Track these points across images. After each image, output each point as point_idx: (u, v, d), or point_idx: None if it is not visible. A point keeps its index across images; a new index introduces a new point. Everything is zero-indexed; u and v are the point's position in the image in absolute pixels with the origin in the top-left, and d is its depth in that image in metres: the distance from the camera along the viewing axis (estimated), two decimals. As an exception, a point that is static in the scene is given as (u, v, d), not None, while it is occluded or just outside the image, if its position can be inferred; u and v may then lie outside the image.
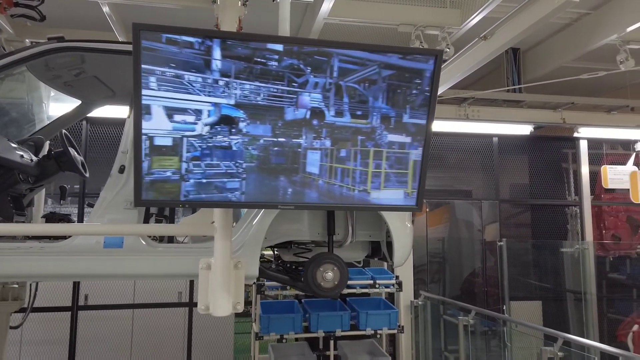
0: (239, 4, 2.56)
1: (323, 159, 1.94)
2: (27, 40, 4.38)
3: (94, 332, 5.80)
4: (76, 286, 5.55)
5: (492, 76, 7.09)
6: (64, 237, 2.65)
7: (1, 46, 4.13)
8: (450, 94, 5.88)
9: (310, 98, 1.87)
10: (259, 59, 1.81)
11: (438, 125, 6.43)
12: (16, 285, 3.96)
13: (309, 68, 1.83)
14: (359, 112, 1.92)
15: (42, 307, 5.20)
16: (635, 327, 5.95)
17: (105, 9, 3.84)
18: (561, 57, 5.80)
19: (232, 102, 1.84)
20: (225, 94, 1.83)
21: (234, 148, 1.86)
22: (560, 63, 5.87)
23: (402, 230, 2.93)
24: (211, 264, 2.20)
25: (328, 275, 2.79)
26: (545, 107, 6.67)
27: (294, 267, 3.30)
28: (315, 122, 1.89)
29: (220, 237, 2.22)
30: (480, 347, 5.77)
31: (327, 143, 1.94)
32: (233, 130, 1.85)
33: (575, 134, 6.92)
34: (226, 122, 1.83)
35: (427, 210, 7.03)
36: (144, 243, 2.65)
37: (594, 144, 7.20)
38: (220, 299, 2.20)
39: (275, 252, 3.39)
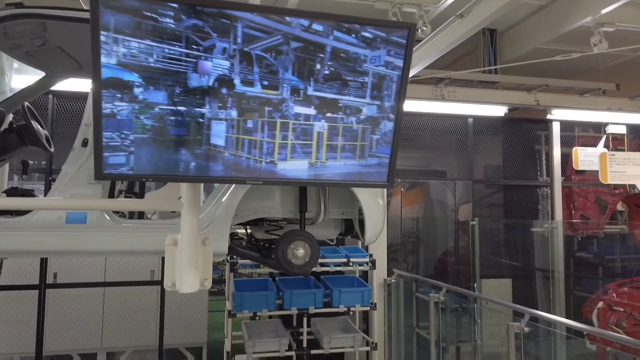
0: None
1: (229, 130, 1.90)
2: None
3: (63, 311, 5.70)
4: (44, 264, 5.42)
5: (470, 57, 7.10)
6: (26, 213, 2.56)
7: (-43, 12, 3.90)
8: (426, 74, 5.86)
9: (214, 64, 1.81)
10: (149, 14, 1.70)
11: (414, 105, 6.43)
12: (-21, 263, 3.85)
13: (214, 31, 1.76)
14: (269, 83, 1.87)
15: (8, 285, 5.07)
16: (600, 304, 6.15)
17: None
18: (537, 39, 5.83)
19: (113, 61, 1.72)
20: (105, 51, 1.71)
21: (118, 117, 1.76)
22: (535, 44, 5.90)
23: (374, 208, 2.92)
24: (178, 240, 2.16)
25: (299, 252, 2.78)
26: (520, 88, 6.72)
27: (266, 244, 3.27)
28: (224, 90, 1.84)
29: (187, 213, 2.17)
30: (451, 324, 5.89)
31: (234, 113, 1.89)
32: (121, 96, 1.74)
33: (549, 116, 7.01)
34: (114, 86, 1.72)
35: (402, 190, 7.07)
36: (108, 219, 2.58)
37: (566, 126, 7.31)
38: (187, 275, 2.17)
39: (248, 230, 3.36)
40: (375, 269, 5.65)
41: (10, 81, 4.36)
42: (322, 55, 1.86)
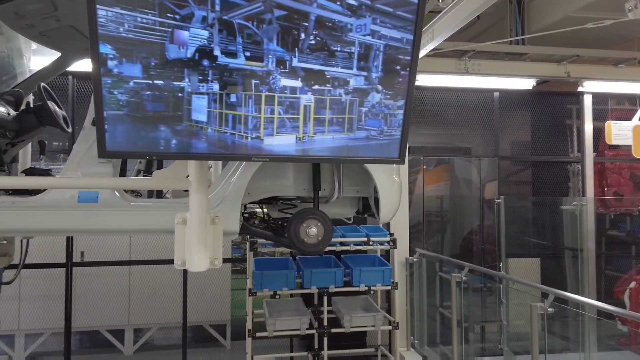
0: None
1: (211, 104, 1.82)
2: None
3: (90, 288, 5.86)
4: (70, 243, 5.55)
5: (496, 29, 6.81)
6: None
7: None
8: (449, 47, 5.64)
9: (192, 34, 1.72)
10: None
11: (436, 80, 6.22)
12: (4, 242, 3.95)
13: None
14: (253, 54, 1.78)
15: (36, 263, 5.22)
16: (633, 284, 5.93)
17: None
18: (567, 7, 5.51)
19: None
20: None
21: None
22: (565, 13, 5.59)
23: (389, 185, 2.82)
24: (187, 218, 2.13)
25: (312, 230, 2.72)
26: (549, 60, 6.41)
27: (279, 223, 3.22)
28: (205, 62, 1.75)
29: (195, 191, 2.13)
30: (475, 303, 5.79)
31: (215, 87, 1.81)
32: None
33: (580, 89, 6.68)
34: None
35: (424, 168, 6.91)
36: (120, 198, 2.57)
37: (599, 99, 6.97)
38: (196, 253, 2.15)
39: (264, 209, 3.32)
40: (396, 248, 5.56)
41: (29, 62, 4.40)
42: (306, 24, 1.77)
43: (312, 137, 1.92)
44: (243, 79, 1.81)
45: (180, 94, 1.78)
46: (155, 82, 1.74)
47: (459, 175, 7.28)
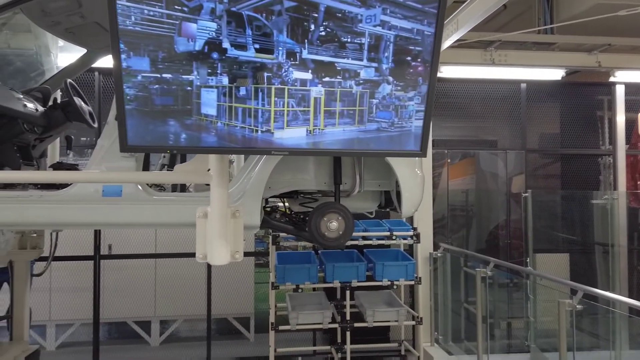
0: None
1: (220, 98, 1.80)
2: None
3: (118, 280, 5.99)
4: (98, 236, 5.68)
5: (523, 18, 6.63)
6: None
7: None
8: (474, 37, 5.51)
9: (201, 26, 1.70)
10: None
11: (461, 71, 6.10)
12: (34, 235, 4.07)
13: None
14: (263, 46, 1.76)
15: (65, 255, 5.36)
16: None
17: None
18: (598, -7, 5.32)
19: None
20: None
21: None
22: (596, 0, 5.39)
23: (411, 179, 2.77)
24: (208, 212, 2.14)
25: (332, 225, 2.69)
26: (579, 49, 6.20)
27: (301, 216, 3.22)
28: (214, 55, 1.73)
29: (216, 185, 2.14)
30: (501, 299, 5.69)
31: (224, 80, 1.79)
32: None
33: (612, 79, 6.45)
34: None
35: (449, 162, 6.80)
36: (142, 192, 2.60)
37: (632, 89, 6.72)
38: (217, 247, 2.16)
39: (285, 203, 3.32)
40: (419, 242, 5.50)
41: (56, 59, 4.49)
42: (316, 15, 1.75)
43: (322, 129, 1.91)
44: (253, 71, 1.79)
45: (189, 88, 1.77)
46: (164, 75, 1.74)
47: (485, 168, 7.14)
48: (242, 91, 1.82)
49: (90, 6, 3.18)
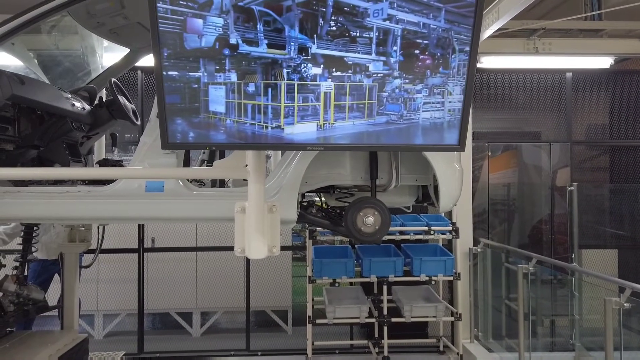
0: None
1: (229, 95, 1.80)
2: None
3: (161, 272, 6.18)
4: (142, 230, 5.87)
5: (568, 4, 6.34)
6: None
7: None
8: (516, 26, 5.33)
9: (208, 22, 1.72)
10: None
11: (503, 61, 5.92)
12: (83, 228, 4.25)
13: None
14: (274, 42, 1.77)
15: (111, 248, 5.57)
16: None
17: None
18: (650, -24, 5.02)
19: None
20: None
21: None
22: (649, -18, 5.09)
23: (449, 173, 2.72)
24: (246, 207, 2.18)
25: (368, 219, 2.68)
26: (629, 35, 5.89)
27: (337, 211, 3.22)
28: (226, 51, 1.74)
29: (253, 180, 2.17)
30: (544, 296, 5.52)
31: (233, 77, 1.79)
32: None
33: (666, 66, 6.12)
34: None
35: (489, 154, 6.63)
36: (183, 187, 2.67)
37: (687, 77, 6.35)
38: (255, 241, 2.19)
39: (321, 198, 3.33)
40: (459, 237, 5.41)
41: (102, 59, 4.65)
42: (325, 10, 1.76)
43: (332, 124, 1.91)
44: (263, 67, 1.81)
45: (195, 85, 1.80)
46: (170, 73, 1.78)
47: (528, 161, 6.91)
48: (252, 87, 1.83)
49: (133, 7, 3.28)
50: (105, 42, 4.33)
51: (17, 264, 3.81)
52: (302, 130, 1.91)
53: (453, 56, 1.87)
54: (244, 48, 1.78)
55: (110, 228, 4.56)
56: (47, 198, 2.64)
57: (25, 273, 3.87)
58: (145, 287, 5.92)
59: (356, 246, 5.47)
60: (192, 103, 1.83)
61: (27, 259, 3.90)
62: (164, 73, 1.84)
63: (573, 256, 5.95)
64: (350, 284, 5.57)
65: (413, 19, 1.81)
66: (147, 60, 3.95)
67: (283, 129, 1.90)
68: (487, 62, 5.84)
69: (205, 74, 1.80)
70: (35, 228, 3.90)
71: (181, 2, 1.73)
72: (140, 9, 3.26)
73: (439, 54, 1.87)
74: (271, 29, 1.77)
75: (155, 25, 1.83)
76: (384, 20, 1.81)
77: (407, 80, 1.90)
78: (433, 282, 5.17)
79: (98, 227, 4.23)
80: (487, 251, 5.71)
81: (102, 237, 4.23)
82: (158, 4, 1.80)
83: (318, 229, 5.14)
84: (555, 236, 6.48)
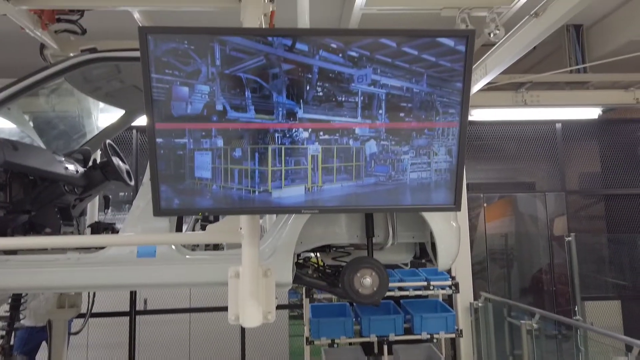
0: (263, 1, 2.45)
1: (215, 160, 1.81)
2: (71, 54, 4.53)
3: (153, 335, 5.97)
4: (133, 292, 5.72)
5: (554, 57, 6.55)
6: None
7: (48, 61, 4.30)
8: (504, 79, 5.47)
9: (197, 90, 1.77)
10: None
11: (493, 114, 6.03)
12: (72, 293, 4.13)
13: (199, 56, 1.74)
14: (262, 107, 1.81)
15: (101, 312, 5.40)
16: None
17: (136, 15, 3.88)
18: (630, 31, 5.22)
19: None
20: None
21: None
22: (629, 37, 5.29)
23: (446, 231, 2.69)
24: (239, 272, 2.12)
25: (366, 280, 2.62)
26: (615, 87, 6.06)
27: (334, 271, 3.15)
28: (214, 118, 1.76)
29: (247, 244, 2.13)
30: (550, 350, 5.34)
31: (219, 142, 1.80)
32: None
33: (652, 115, 6.25)
34: None
35: (485, 205, 6.62)
36: (176, 252, 2.61)
37: (675, 124, 6.48)
38: (249, 308, 2.11)
39: (317, 256, 3.26)
40: (459, 292, 5.29)
41: (97, 121, 4.69)
42: (311, 76, 1.81)
43: (321, 186, 1.91)
44: (250, 132, 1.83)
45: (181, 152, 1.81)
46: (157, 140, 1.81)
47: (524, 211, 6.90)
48: (238, 153, 1.84)
49: (129, 71, 3.34)
50: (101, 104, 4.39)
51: (4, 332, 3.66)
52: (290, 193, 1.90)
53: (437, 118, 1.90)
54: (232, 114, 1.80)
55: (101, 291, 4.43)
56: (37, 267, 2.57)
57: (12, 342, 3.71)
58: (137, 352, 5.69)
59: (355, 304, 5.32)
60: (178, 169, 1.83)
61: (14, 327, 3.75)
62: (157, 140, 1.84)
63: (576, 308, 5.81)
64: (350, 344, 5.38)
65: (396, 84, 1.86)
66: (143, 120, 3.99)
67: (270, 192, 1.89)
68: (477, 114, 5.95)
69: (192, 140, 1.81)
70: (23, 295, 3.78)
71: (167, 71, 1.76)
72: (136, 72, 3.32)
73: (423, 117, 1.90)
74: (258, 95, 1.80)
75: (149, 94, 1.85)
76: (369, 85, 1.85)
77: (393, 142, 1.92)
78: (435, 340, 5.00)
79: (89, 292, 4.11)
80: (489, 305, 5.57)
81: (93, 302, 4.10)
82: (152, 75, 1.84)
83: (315, 287, 5.02)
84: (556, 287, 6.36)
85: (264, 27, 2.36)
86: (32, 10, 3.55)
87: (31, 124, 4.43)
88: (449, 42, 1.84)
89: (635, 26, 5.16)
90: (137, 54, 2.90)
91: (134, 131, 5.91)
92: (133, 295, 5.73)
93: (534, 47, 5.19)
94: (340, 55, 1.82)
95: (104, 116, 4.46)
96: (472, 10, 4.07)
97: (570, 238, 5.89)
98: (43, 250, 2.74)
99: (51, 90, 4.45)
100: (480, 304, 5.57)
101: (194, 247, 3.17)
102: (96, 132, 4.17)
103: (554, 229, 6.56)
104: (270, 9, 2.67)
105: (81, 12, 3.80)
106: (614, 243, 6.63)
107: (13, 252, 2.66)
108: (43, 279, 2.56)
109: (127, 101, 3.83)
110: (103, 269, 2.57)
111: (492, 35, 3.99)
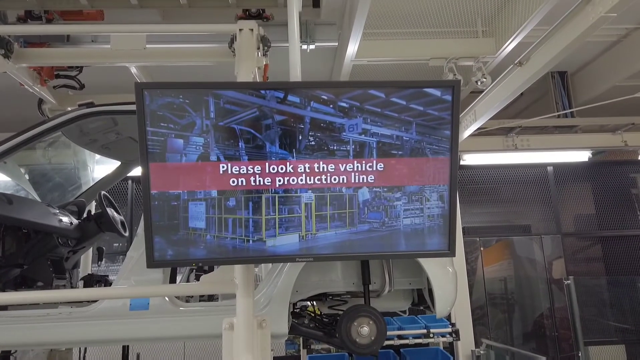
0: (257, 55, 2.54)
1: (209, 210, 1.82)
2: (69, 108, 4.62)
3: (146, 392, 5.74)
4: (126, 346, 5.55)
5: (541, 103, 6.73)
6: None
7: (46, 115, 4.38)
8: (494, 125, 5.59)
9: (191, 142, 1.83)
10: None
11: (484, 158, 6.12)
12: (63, 349, 4.01)
13: (193, 109, 1.81)
14: (256, 157, 1.87)
15: (92, 368, 5.23)
16: None
17: (133, 70, 4.01)
18: (613, 77, 5.41)
19: None
20: None
21: None
22: (612, 83, 5.47)
23: (442, 277, 2.67)
24: (234, 323, 2.08)
25: (363, 330, 2.57)
26: (603, 130, 6.20)
27: (332, 321, 3.09)
28: (209, 169, 1.80)
29: (242, 295, 2.10)
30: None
31: (213, 192, 1.82)
32: None
33: (642, 157, 6.36)
34: None
35: (482, 249, 6.59)
36: (169, 304, 2.57)
37: (663, 165, 6.58)
38: (244, 361, 2.06)
39: (314, 305, 3.21)
40: (459, 339, 5.17)
41: (93, 173, 4.72)
42: (302, 127, 1.86)
43: (315, 234, 1.92)
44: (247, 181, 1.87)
45: (175, 203, 1.84)
46: (152, 192, 1.85)
47: (521, 254, 6.86)
48: (232, 202, 1.85)
49: (125, 124, 3.40)
50: (97, 156, 4.43)
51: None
52: (284, 242, 1.91)
53: (427, 164, 1.93)
54: (225, 166, 1.84)
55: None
56: (27, 322, 2.52)
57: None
58: (129, 410, 5.46)
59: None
60: (172, 220, 1.83)
61: (1, 386, 3.61)
62: (152, 192, 1.86)
63: (580, 354, 5.68)
64: (350, 396, 5.20)
65: (386, 132, 1.90)
66: (138, 170, 4.02)
67: (265, 241, 1.89)
68: (469, 159, 6.04)
69: (186, 190, 1.82)
70: (12, 352, 3.67)
71: (162, 124, 1.81)
72: (132, 125, 3.37)
73: (414, 163, 1.94)
74: (252, 145, 1.84)
75: (145, 148, 1.89)
76: (360, 134, 1.90)
77: (385, 189, 1.95)
78: (437, 391, 4.85)
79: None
80: (491, 353, 5.44)
81: (84, 357, 3.98)
82: (147, 128, 1.89)
83: (312, 337, 4.90)
84: (558, 332, 6.24)
85: (257, 79, 2.43)
86: (32, 67, 3.65)
87: (27, 176, 4.45)
88: (435, 92, 1.90)
89: (618, 72, 5.35)
90: (133, 107, 2.98)
91: (130, 181, 5.93)
92: (125, 349, 5.55)
93: (522, 93, 5.36)
94: (331, 106, 1.88)
95: (100, 168, 4.49)
96: (459, 60, 4.21)
97: (569, 281, 5.83)
98: (34, 305, 2.70)
99: (48, 143, 4.50)
100: (482, 352, 5.44)
101: (189, 298, 3.12)
102: (92, 183, 4.19)
103: (553, 272, 6.50)
104: (264, 62, 2.77)
105: (80, 68, 3.91)
106: (614, 285, 6.56)
107: (3, 307, 2.61)
108: (33, 335, 2.50)
109: (123, 153, 3.86)
110: (95, 324, 2.52)
111: (479, 83, 4.12)
